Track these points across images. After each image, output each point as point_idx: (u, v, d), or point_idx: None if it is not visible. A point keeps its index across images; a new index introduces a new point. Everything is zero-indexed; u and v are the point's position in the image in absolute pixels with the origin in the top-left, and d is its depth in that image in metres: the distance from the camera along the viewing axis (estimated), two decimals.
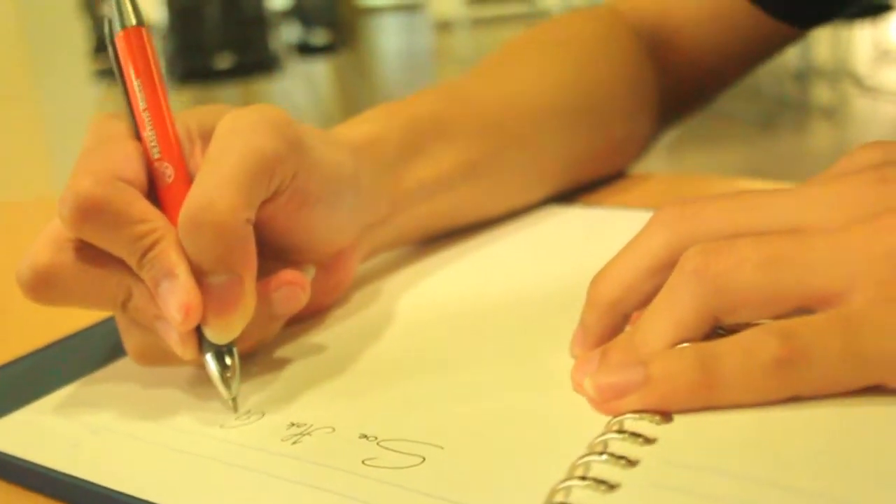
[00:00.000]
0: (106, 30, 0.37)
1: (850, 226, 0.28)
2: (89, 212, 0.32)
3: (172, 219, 0.34)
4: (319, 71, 5.89)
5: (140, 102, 0.36)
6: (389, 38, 8.95)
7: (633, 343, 0.30)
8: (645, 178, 0.57)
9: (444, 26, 7.87)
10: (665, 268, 0.30)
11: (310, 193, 0.36)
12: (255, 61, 4.05)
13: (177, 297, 0.32)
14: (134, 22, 0.36)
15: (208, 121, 0.36)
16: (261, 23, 4.01)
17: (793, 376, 0.26)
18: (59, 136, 2.05)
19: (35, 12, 1.92)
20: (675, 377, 0.27)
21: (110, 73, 0.37)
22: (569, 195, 0.54)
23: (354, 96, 5.90)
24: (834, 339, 0.26)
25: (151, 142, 0.35)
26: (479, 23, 7.36)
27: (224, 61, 3.98)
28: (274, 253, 0.38)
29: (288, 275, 0.36)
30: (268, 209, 0.35)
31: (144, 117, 0.35)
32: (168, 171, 0.35)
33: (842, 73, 4.53)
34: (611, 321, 0.32)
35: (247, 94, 4.99)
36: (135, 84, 0.36)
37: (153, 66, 0.36)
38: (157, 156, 0.35)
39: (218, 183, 0.32)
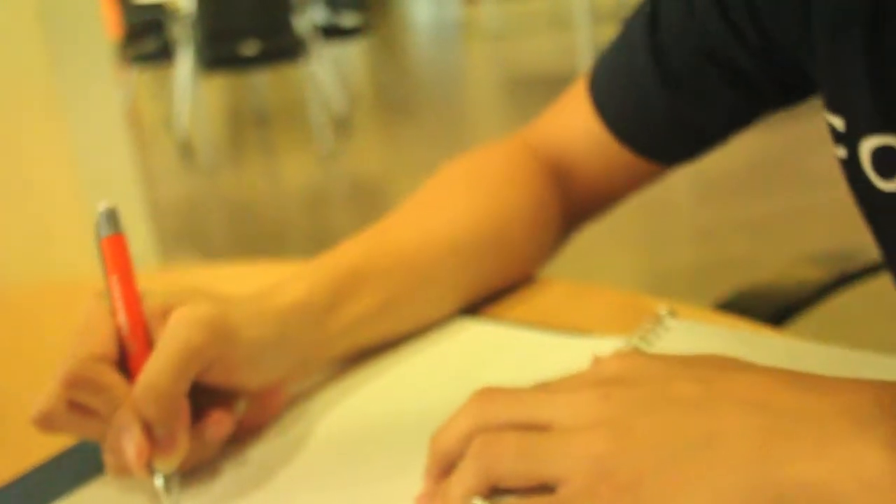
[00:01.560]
0: (94, 232, 0.49)
1: (577, 431, 0.38)
2: (72, 384, 0.45)
3: (131, 375, 0.47)
4: (348, 53, 5.97)
5: (116, 293, 0.48)
6: (420, 10, 8.96)
7: (444, 495, 0.41)
8: (543, 286, 0.66)
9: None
10: (470, 437, 0.41)
11: (234, 364, 0.49)
12: (281, 47, 4.13)
13: (132, 445, 0.44)
14: (115, 231, 0.49)
15: (170, 305, 0.48)
16: (287, 8, 4.08)
17: None
18: (83, 129, 2.09)
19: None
20: None
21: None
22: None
23: (383, 78, 5.96)
24: None
25: (123, 324, 0.47)
26: None
27: (250, 48, 4.06)
28: (214, 389, 0.49)
29: (215, 416, 0.48)
30: (203, 375, 0.48)
31: (118, 305, 0.48)
32: (132, 347, 0.47)
33: None
34: (441, 467, 0.43)
35: (274, 78, 5.08)
36: (113, 280, 0.48)
37: (128, 266, 0.48)
38: (126, 333, 0.47)
39: (159, 368, 0.45)
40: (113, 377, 0.46)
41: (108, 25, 4.44)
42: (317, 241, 3.23)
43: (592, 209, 0.70)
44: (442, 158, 0.70)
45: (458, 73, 6.28)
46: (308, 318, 0.53)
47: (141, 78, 5.03)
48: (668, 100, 0.62)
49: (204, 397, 0.48)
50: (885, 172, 0.53)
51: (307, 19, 4.34)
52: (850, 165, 0.55)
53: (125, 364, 0.47)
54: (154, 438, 0.45)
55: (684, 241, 2.74)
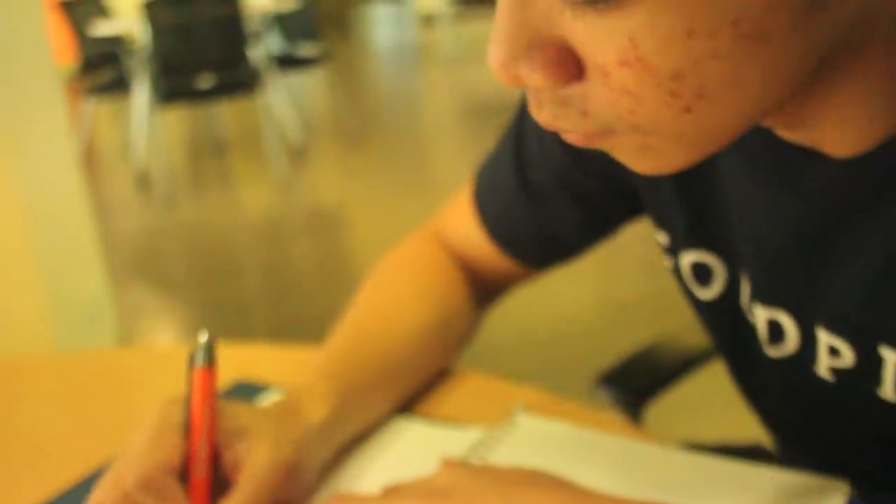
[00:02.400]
0: (190, 356, 0.55)
1: None
2: (143, 487, 0.50)
3: (191, 494, 0.52)
4: (305, 81, 6.02)
5: (197, 419, 0.53)
6: (379, 34, 9.02)
7: None
8: (462, 380, 0.74)
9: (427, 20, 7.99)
10: None
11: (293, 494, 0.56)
12: (237, 80, 4.18)
13: None
14: (209, 364, 0.55)
15: (241, 434, 0.55)
16: (242, 40, 4.14)
17: None
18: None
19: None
20: None
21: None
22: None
23: (340, 105, 6.03)
24: None
25: (197, 446, 0.53)
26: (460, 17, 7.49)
27: (206, 81, 4.11)
28: None
29: None
30: None
31: (196, 429, 0.53)
32: (198, 469, 0.53)
33: None
34: None
35: (232, 109, 5.13)
36: (197, 406, 0.53)
37: (213, 397, 0.54)
38: (195, 455, 0.53)
39: (244, 500, 0.52)
40: (178, 491, 0.52)
41: (62, 56, 4.46)
42: (274, 270, 3.28)
43: (494, 295, 0.79)
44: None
45: (414, 98, 6.36)
46: (328, 434, 0.61)
47: (98, 109, 5.05)
48: (531, 211, 0.70)
49: None
50: (701, 283, 0.61)
51: (263, 50, 4.40)
52: (677, 275, 0.63)
53: (184, 478, 0.53)
54: None
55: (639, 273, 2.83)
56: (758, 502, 0.54)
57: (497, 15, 0.39)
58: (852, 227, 0.48)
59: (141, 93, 4.20)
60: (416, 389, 0.71)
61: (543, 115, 0.41)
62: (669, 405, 0.99)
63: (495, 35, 0.39)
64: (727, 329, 0.61)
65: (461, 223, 0.75)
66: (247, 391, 0.75)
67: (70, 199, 2.30)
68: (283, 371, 0.76)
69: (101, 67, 4.80)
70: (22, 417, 0.77)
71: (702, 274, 0.60)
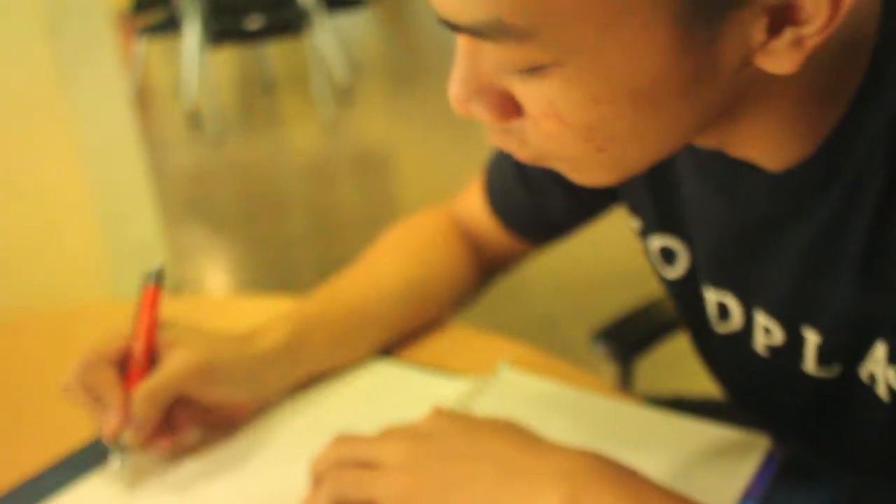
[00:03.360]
0: (144, 277, 0.70)
1: (391, 470, 0.58)
2: (85, 367, 0.67)
3: (129, 373, 0.68)
4: (353, 23, 6.07)
5: (139, 325, 0.69)
6: None
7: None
8: (447, 331, 0.85)
9: None
10: (328, 468, 0.61)
11: (208, 391, 0.70)
12: (285, 20, 4.27)
13: (114, 419, 0.66)
14: (156, 284, 0.71)
15: (175, 341, 0.70)
16: None
17: None
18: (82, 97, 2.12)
19: None
20: None
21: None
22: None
23: (387, 48, 6.08)
24: None
25: (139, 346, 0.69)
26: None
27: (255, 22, 4.20)
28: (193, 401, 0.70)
29: (181, 430, 0.71)
30: (186, 393, 0.69)
31: (139, 332, 0.69)
32: (137, 363, 0.68)
33: None
34: (314, 483, 0.62)
35: (281, 49, 5.21)
36: (140, 316, 0.69)
37: (154, 310, 0.69)
38: (137, 353, 0.69)
39: (152, 386, 0.67)
40: (111, 372, 0.67)
41: None
42: (319, 210, 3.40)
43: (499, 267, 0.89)
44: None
45: None
46: (273, 362, 0.74)
47: (150, 48, 5.17)
48: (529, 197, 0.80)
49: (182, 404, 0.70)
50: (667, 264, 0.70)
51: None
52: (649, 257, 0.72)
53: (124, 371, 0.68)
54: (131, 421, 0.66)
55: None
56: (684, 451, 0.64)
57: (455, 62, 0.48)
58: (781, 229, 0.57)
59: (192, 33, 4.30)
60: (396, 338, 0.81)
61: (494, 139, 0.51)
62: (660, 360, 1.08)
63: (453, 76, 0.48)
64: (688, 305, 0.70)
65: (472, 201, 0.86)
66: None
67: (123, 139, 2.37)
68: None
69: (153, 7, 4.90)
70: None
71: (668, 256, 0.69)
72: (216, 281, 2.95)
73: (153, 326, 0.69)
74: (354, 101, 4.66)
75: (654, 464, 0.63)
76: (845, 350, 0.58)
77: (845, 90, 0.50)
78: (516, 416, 0.63)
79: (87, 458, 0.71)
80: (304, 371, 0.76)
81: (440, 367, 0.78)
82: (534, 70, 0.44)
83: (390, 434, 0.62)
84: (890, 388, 0.55)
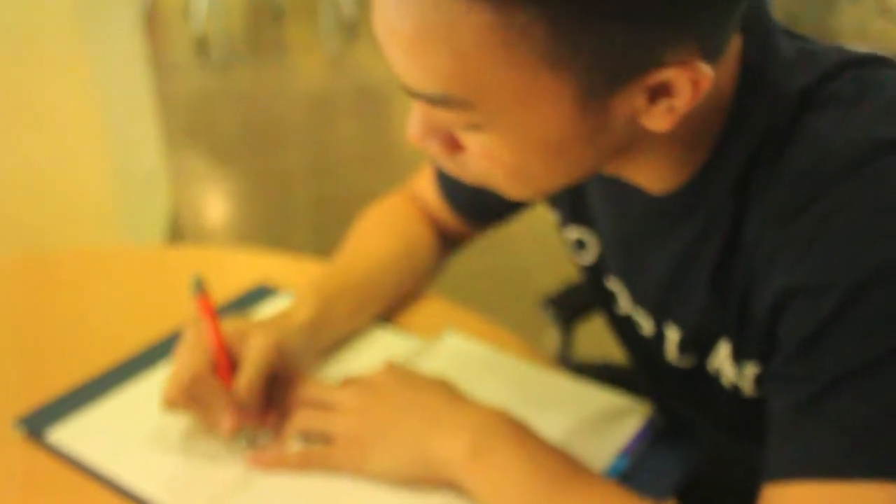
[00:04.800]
0: (193, 290, 0.78)
1: (346, 412, 0.76)
2: (194, 381, 0.76)
3: (219, 374, 0.78)
4: None
5: (207, 330, 0.78)
6: None
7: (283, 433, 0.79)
8: (426, 302, 0.99)
9: None
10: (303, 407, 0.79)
11: (287, 363, 0.82)
12: None
13: (230, 419, 0.76)
14: (204, 293, 0.78)
15: (243, 332, 0.80)
16: None
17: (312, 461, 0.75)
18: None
19: None
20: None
21: None
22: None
23: None
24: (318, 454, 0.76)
25: (211, 346, 0.78)
26: None
27: None
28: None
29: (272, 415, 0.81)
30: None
31: (209, 335, 0.78)
32: (218, 361, 0.78)
33: None
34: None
35: None
36: (205, 322, 0.78)
37: (215, 313, 0.78)
38: (213, 352, 0.78)
39: (250, 374, 0.77)
40: (212, 379, 0.77)
41: None
42: (320, 144, 3.51)
43: (453, 244, 1.04)
44: None
45: None
46: (314, 330, 0.86)
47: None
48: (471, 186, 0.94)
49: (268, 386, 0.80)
50: (580, 252, 0.85)
51: None
52: (566, 246, 0.87)
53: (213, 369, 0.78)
54: (243, 414, 0.77)
55: None
56: (579, 413, 0.80)
57: (413, 109, 0.62)
58: (655, 241, 0.72)
59: None
60: (389, 306, 0.96)
61: (442, 165, 0.65)
62: (599, 328, 1.24)
63: (412, 119, 0.63)
64: (596, 288, 0.85)
65: (426, 184, 1.01)
66: (264, 292, 1.01)
67: (132, 63, 2.48)
68: (296, 278, 1.02)
69: None
70: (86, 302, 1.04)
71: (580, 245, 0.84)
72: (215, 209, 3.08)
73: (218, 327, 0.78)
74: (360, 35, 4.75)
75: (553, 422, 0.78)
76: (697, 345, 0.73)
77: (708, 139, 0.64)
78: (451, 373, 0.79)
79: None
80: (330, 340, 0.89)
81: (414, 329, 0.94)
82: (473, 126, 0.58)
83: (348, 383, 0.79)
84: (731, 381, 0.71)
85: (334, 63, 4.41)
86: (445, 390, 0.76)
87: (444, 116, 0.59)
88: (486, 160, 0.61)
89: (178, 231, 2.79)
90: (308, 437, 0.77)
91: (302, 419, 0.78)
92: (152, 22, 5.05)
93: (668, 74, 0.55)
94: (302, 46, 4.82)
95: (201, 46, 4.59)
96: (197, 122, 3.78)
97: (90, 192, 2.11)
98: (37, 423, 0.81)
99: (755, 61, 0.63)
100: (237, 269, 1.06)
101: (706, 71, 0.55)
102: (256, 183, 3.21)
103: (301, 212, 2.94)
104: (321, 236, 2.75)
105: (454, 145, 0.62)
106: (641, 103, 0.57)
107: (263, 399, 0.79)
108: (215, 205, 3.12)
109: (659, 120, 0.58)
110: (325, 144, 3.53)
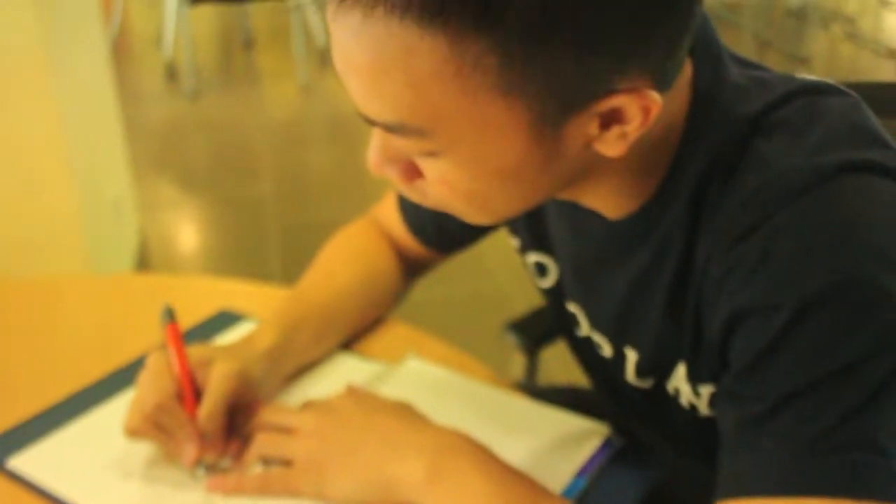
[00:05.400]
0: (161, 317, 0.80)
1: (304, 436, 0.77)
2: (158, 410, 0.76)
3: (183, 402, 0.78)
4: None
5: (173, 358, 0.79)
6: None
7: (243, 459, 0.79)
8: (390, 328, 1.00)
9: None
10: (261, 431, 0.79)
11: (247, 391, 0.82)
12: None
13: (192, 449, 0.77)
14: (172, 322, 0.80)
15: (206, 359, 0.81)
16: None
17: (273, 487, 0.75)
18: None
19: None
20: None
21: None
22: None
23: None
24: (277, 477, 0.76)
25: (176, 374, 0.79)
26: None
27: None
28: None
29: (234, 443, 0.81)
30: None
31: (175, 363, 0.79)
32: (186, 392, 0.78)
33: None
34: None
35: (262, 7, 5.28)
36: (171, 350, 0.79)
37: (181, 343, 0.79)
38: (178, 380, 0.79)
39: (213, 402, 0.78)
40: (177, 407, 0.77)
41: None
42: (290, 172, 3.52)
43: (417, 270, 1.05)
44: None
45: None
46: (276, 357, 0.87)
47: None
48: (431, 212, 0.94)
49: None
50: (541, 276, 0.86)
51: None
52: (527, 269, 0.88)
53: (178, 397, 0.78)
54: (204, 442, 0.77)
55: None
56: (538, 434, 0.81)
57: (372, 137, 0.63)
58: (612, 265, 0.73)
59: None
60: (352, 333, 0.96)
61: (402, 190, 0.66)
62: (563, 352, 1.25)
63: (371, 146, 0.64)
64: (556, 311, 0.86)
65: (390, 211, 1.01)
66: (227, 318, 1.01)
67: (100, 92, 2.46)
68: (260, 304, 1.03)
69: None
70: (50, 328, 1.03)
71: (541, 269, 0.85)
72: (183, 236, 3.07)
73: (185, 356, 0.79)
74: (331, 63, 4.76)
75: (512, 443, 0.79)
76: (656, 367, 0.74)
77: (661, 165, 0.66)
78: (412, 397, 0.79)
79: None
80: (293, 366, 0.89)
81: (375, 355, 0.94)
82: (430, 153, 0.60)
83: (308, 406, 0.79)
84: (689, 400, 0.72)
85: (306, 91, 4.42)
86: (405, 413, 0.76)
87: (402, 144, 0.60)
88: (443, 186, 0.62)
89: (146, 259, 2.78)
90: (268, 461, 0.77)
91: (261, 443, 0.78)
92: (122, 49, 5.05)
93: (619, 101, 0.56)
94: (273, 74, 4.84)
95: (172, 74, 4.59)
96: (167, 150, 3.77)
97: (55, 220, 2.10)
98: None
99: (706, 88, 0.64)
100: (201, 295, 1.07)
101: (655, 98, 0.57)
102: (226, 210, 3.21)
103: (270, 239, 2.94)
104: (290, 264, 2.75)
105: (413, 172, 0.63)
106: (594, 130, 0.59)
107: (225, 427, 0.79)
108: (184, 232, 3.11)
109: (612, 146, 0.60)
110: (296, 172, 3.54)
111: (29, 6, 1.88)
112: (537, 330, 1.19)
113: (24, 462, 0.79)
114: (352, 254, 1.00)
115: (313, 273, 0.98)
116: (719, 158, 0.63)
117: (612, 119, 0.58)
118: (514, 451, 0.78)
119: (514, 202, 0.64)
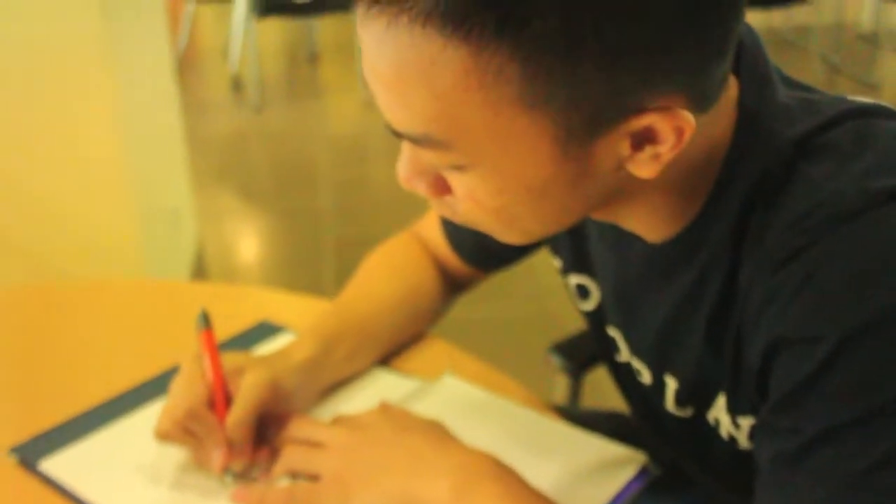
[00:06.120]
0: (198, 324, 0.81)
1: (332, 451, 0.76)
2: (189, 416, 0.77)
3: (215, 409, 0.78)
4: None
5: (207, 363, 0.79)
6: None
7: (272, 470, 0.79)
8: (429, 345, 0.99)
9: None
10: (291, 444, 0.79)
11: (279, 402, 0.81)
12: None
13: (220, 457, 0.77)
14: (208, 328, 0.80)
15: (240, 368, 0.81)
16: None
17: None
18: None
19: None
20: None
21: None
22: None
23: None
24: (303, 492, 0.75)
25: (209, 381, 0.79)
26: None
27: None
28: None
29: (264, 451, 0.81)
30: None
31: (209, 370, 0.79)
32: (216, 395, 0.78)
33: None
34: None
35: (329, 22, 5.35)
36: (206, 356, 0.79)
37: (216, 349, 0.79)
38: (211, 386, 0.79)
39: (242, 411, 0.78)
40: (208, 414, 0.77)
41: None
42: (349, 186, 3.53)
43: (459, 287, 1.03)
44: None
45: None
46: (312, 370, 0.86)
47: (203, 9, 5.33)
48: (473, 233, 0.93)
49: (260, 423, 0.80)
50: (582, 298, 0.84)
51: None
52: (569, 290, 0.86)
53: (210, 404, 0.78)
54: (233, 450, 0.77)
55: None
56: (572, 460, 0.79)
57: (402, 150, 0.62)
58: (653, 288, 0.71)
59: (241, 3, 4.45)
60: (390, 349, 0.95)
61: (433, 207, 0.65)
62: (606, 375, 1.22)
63: (400, 160, 0.63)
64: (597, 334, 0.84)
65: (432, 228, 1.00)
66: (267, 330, 1.01)
67: (164, 102, 2.49)
68: (305, 317, 1.02)
69: None
70: (90, 332, 1.04)
71: (583, 292, 0.83)
72: (242, 247, 3.10)
73: (218, 362, 0.79)
74: None
75: (545, 467, 0.77)
76: (696, 396, 0.72)
77: (704, 187, 0.63)
78: (446, 416, 0.78)
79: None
80: (329, 380, 0.89)
81: (412, 371, 0.93)
82: (456, 167, 0.58)
83: (338, 421, 0.78)
84: (729, 432, 0.69)
85: (368, 106, 4.45)
86: (434, 432, 0.75)
87: (429, 157, 0.59)
88: (470, 203, 0.61)
89: (203, 268, 2.81)
90: (295, 474, 0.77)
91: (289, 456, 0.77)
92: (190, 61, 5.14)
93: (650, 121, 0.54)
94: (337, 88, 4.88)
95: (237, 86, 4.66)
96: (229, 161, 3.82)
97: (113, 227, 2.12)
98: (31, 453, 0.81)
99: (751, 109, 0.62)
100: (247, 305, 1.07)
101: (688, 118, 0.55)
102: (283, 222, 3.23)
103: (327, 252, 2.95)
104: (344, 277, 2.74)
105: (442, 187, 0.62)
106: (625, 150, 0.57)
107: (254, 436, 0.79)
108: (241, 242, 3.15)
109: (644, 167, 0.58)
110: (355, 186, 3.55)
111: (95, 14, 1.91)
112: (582, 352, 1.17)
113: (56, 465, 0.79)
114: (393, 268, 0.99)
115: (353, 287, 0.97)
116: (764, 181, 0.61)
117: (644, 139, 0.56)
118: (547, 475, 0.76)
119: (545, 221, 0.62)
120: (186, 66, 5.03)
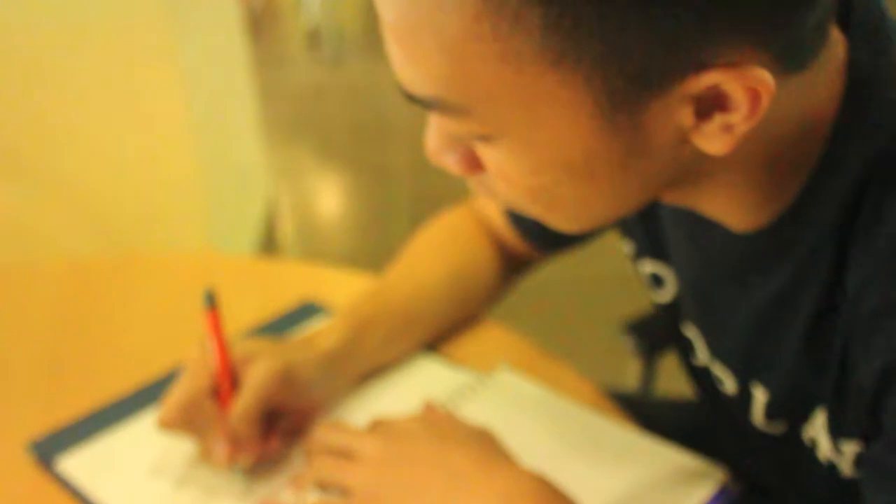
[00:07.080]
0: (205, 303, 0.72)
1: (364, 464, 0.67)
2: (189, 405, 0.69)
3: (220, 398, 0.71)
4: None
5: (213, 349, 0.71)
6: None
7: (300, 479, 0.71)
8: (486, 329, 0.89)
9: None
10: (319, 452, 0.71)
11: (292, 395, 0.73)
12: None
13: (223, 449, 0.70)
14: (213, 308, 0.71)
15: (249, 355, 0.72)
16: None
17: None
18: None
19: None
20: None
21: None
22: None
23: None
24: None
25: (216, 368, 0.71)
26: None
27: None
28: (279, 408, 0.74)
29: (273, 441, 0.73)
30: (272, 401, 0.72)
31: (215, 356, 0.71)
32: (222, 383, 0.71)
33: None
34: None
35: None
36: (212, 340, 0.71)
37: (222, 332, 0.71)
38: (217, 373, 0.71)
39: (246, 402, 0.70)
40: (210, 404, 0.70)
41: None
42: (421, 139, 3.44)
43: (520, 268, 0.92)
44: None
45: None
46: (339, 359, 0.78)
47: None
48: None
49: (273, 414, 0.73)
50: (656, 288, 0.74)
51: None
52: (641, 279, 0.75)
53: (215, 393, 0.71)
54: (238, 444, 0.70)
55: None
56: (642, 472, 0.69)
57: (429, 123, 0.52)
58: (739, 287, 0.60)
59: None
60: (438, 334, 0.86)
61: (472, 187, 0.55)
62: None
63: (428, 132, 0.53)
64: (672, 329, 0.73)
65: (491, 205, 0.89)
66: (309, 310, 0.93)
67: (231, 56, 2.43)
68: (347, 295, 0.93)
69: None
70: (124, 312, 0.97)
71: (657, 281, 0.73)
72: (313, 204, 3.05)
73: (225, 348, 0.71)
74: None
75: (611, 480, 0.68)
76: (789, 411, 0.60)
77: (802, 168, 0.52)
78: (500, 417, 0.69)
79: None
80: (362, 369, 0.80)
81: (463, 360, 0.84)
82: (482, 137, 0.48)
83: (374, 428, 0.69)
84: (827, 457, 0.58)
85: None
86: (480, 446, 0.65)
87: (454, 126, 0.49)
88: (502, 181, 0.51)
89: (272, 224, 2.76)
90: (325, 486, 0.69)
91: (319, 467, 0.69)
92: (265, 15, 5.08)
93: (714, 79, 0.43)
94: None
95: (313, 40, 4.59)
96: (304, 116, 3.77)
97: (178, 184, 2.08)
98: (47, 450, 0.76)
99: (864, 73, 0.50)
100: (300, 282, 0.98)
101: (765, 78, 0.43)
102: (358, 178, 3.18)
103: (401, 208, 2.88)
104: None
105: (472, 162, 0.52)
106: (687, 118, 0.46)
107: (262, 429, 0.71)
108: (312, 198, 3.10)
109: (714, 141, 0.46)
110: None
111: None
112: (657, 333, 1.06)
113: (71, 465, 0.73)
114: (441, 245, 0.89)
115: (399, 265, 0.88)
116: (881, 161, 0.49)
117: (711, 105, 0.45)
118: (610, 490, 0.67)
119: (595, 205, 0.52)
120: (266, 20, 4.98)
